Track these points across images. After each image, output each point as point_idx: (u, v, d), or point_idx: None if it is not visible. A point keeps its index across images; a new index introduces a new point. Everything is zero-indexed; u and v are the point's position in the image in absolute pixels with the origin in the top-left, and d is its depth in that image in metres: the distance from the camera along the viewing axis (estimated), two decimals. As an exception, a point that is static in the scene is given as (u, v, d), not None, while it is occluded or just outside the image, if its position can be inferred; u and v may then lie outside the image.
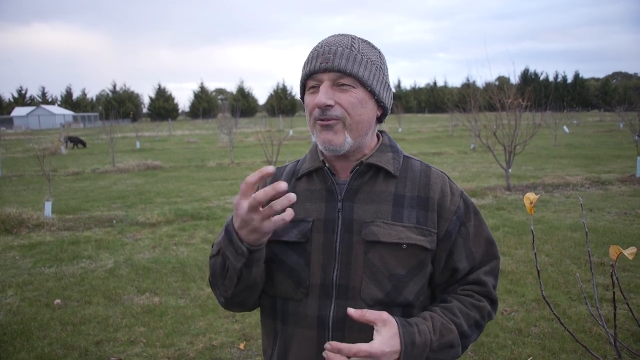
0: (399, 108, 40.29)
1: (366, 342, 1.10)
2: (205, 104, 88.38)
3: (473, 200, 8.33)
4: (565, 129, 29.15)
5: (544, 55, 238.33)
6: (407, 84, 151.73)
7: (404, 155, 1.34)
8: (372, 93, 1.23)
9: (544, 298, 1.33)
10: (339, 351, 1.08)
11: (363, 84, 1.20)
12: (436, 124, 44.22)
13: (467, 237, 1.29)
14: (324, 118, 1.19)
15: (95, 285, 5.38)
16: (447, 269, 1.29)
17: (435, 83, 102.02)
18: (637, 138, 13.18)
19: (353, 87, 1.19)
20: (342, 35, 1.26)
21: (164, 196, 10.90)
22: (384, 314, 1.13)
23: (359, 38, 1.27)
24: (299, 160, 1.43)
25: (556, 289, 4.85)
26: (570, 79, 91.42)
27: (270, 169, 1.03)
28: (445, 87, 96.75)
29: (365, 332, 1.16)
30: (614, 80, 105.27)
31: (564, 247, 6.09)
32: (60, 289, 5.33)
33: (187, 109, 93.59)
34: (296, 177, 1.35)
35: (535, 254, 1.50)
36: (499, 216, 7.90)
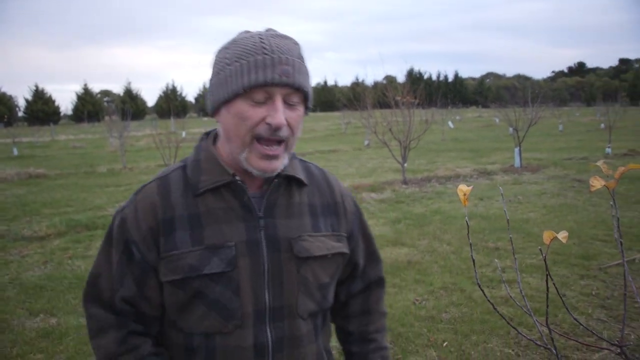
0: (293, 107, 40.53)
1: (305, 357, 1.19)
2: (90, 106, 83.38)
3: (372, 195, 8.63)
4: (450, 124, 30.97)
5: (426, 56, 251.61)
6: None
7: (299, 159, 1.30)
8: (307, 107, 1.17)
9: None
10: None
11: (306, 100, 1.14)
12: (329, 122, 45.05)
13: (362, 235, 1.37)
14: (275, 140, 1.09)
15: (-20, 309, 4.87)
16: (349, 266, 1.35)
17: (326, 82, 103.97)
18: (512, 132, 14.29)
19: (299, 103, 1.12)
20: (287, 38, 1.13)
21: (51, 206, 10.12)
22: None
23: (297, 42, 1.15)
24: (174, 169, 1.21)
25: (460, 275, 5.12)
26: (451, 78, 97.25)
27: None
28: (335, 86, 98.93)
29: (304, 347, 1.19)
30: (488, 80, 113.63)
31: (463, 235, 6.45)
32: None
33: (70, 112, 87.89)
34: (194, 194, 1.15)
35: (470, 244, 1.56)
36: (399, 209, 8.21)
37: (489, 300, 1.60)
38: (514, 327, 1.65)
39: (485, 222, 7.07)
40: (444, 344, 3.82)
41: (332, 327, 1.42)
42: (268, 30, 1.13)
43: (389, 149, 11.26)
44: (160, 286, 1.16)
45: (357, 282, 1.39)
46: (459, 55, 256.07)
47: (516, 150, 12.51)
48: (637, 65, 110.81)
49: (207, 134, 1.26)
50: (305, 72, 1.12)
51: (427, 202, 8.79)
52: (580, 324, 1.65)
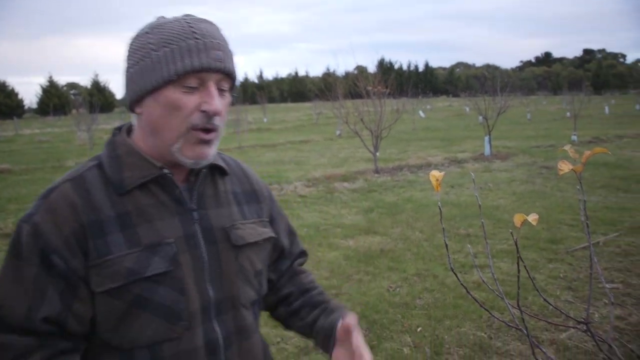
0: (263, 98, 40.34)
1: (252, 351, 1.17)
2: (56, 99, 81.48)
3: (345, 184, 8.65)
4: (421, 113, 31.26)
5: (397, 46, 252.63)
6: (269, 74, 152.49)
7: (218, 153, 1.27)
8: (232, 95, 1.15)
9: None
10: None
11: (233, 87, 1.11)
12: (300, 112, 45.04)
13: (279, 217, 1.36)
14: (210, 128, 1.04)
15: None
16: (277, 249, 1.34)
17: (297, 73, 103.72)
18: (482, 120, 14.50)
19: (228, 90, 1.09)
20: (212, 23, 1.08)
21: (17, 202, 9.87)
22: (353, 321, 1.13)
23: (220, 28, 1.11)
24: (87, 168, 1.10)
25: (433, 262, 5.20)
26: (421, 67, 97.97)
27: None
28: (307, 76, 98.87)
29: (251, 337, 1.17)
30: (458, 69, 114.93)
31: (435, 222, 6.53)
32: None
33: (35, 106, 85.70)
34: (118, 193, 1.05)
35: (443, 228, 1.58)
36: (371, 198, 8.27)
37: (462, 284, 1.63)
38: (487, 310, 1.69)
39: (457, 209, 7.18)
40: (418, 329, 3.88)
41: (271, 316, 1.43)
42: (186, 15, 1.08)
43: (360, 139, 11.30)
44: (92, 298, 1.02)
45: (285, 261, 1.38)
46: (429, 45, 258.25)
47: (486, 138, 12.70)
48: (599, 56, 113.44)
49: (119, 128, 1.17)
50: (233, 58, 1.09)
51: (399, 190, 8.87)
52: (550, 304, 1.70)
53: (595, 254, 5.40)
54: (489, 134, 12.74)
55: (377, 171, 10.62)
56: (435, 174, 1.55)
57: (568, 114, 25.40)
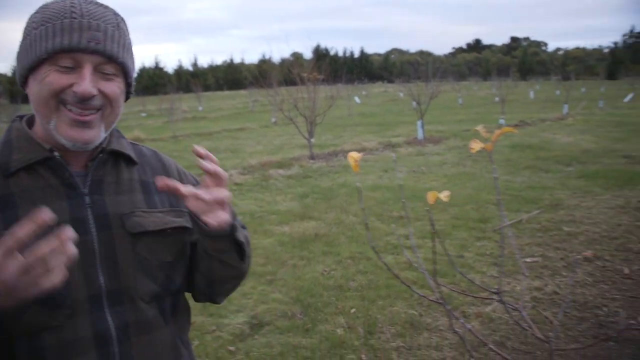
0: (198, 86, 39.51)
1: (153, 347, 1.09)
2: (-27, 89, 76.79)
3: (280, 171, 8.65)
4: (357, 99, 31.58)
5: (333, 32, 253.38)
6: (204, 62, 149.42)
7: (130, 142, 1.23)
8: (129, 82, 1.11)
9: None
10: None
11: (126, 74, 1.08)
12: (236, 100, 44.47)
13: None
14: (85, 109, 1.01)
15: None
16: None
17: (232, 60, 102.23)
18: (415, 105, 14.83)
19: (116, 75, 1.05)
20: (106, 8, 1.05)
21: None
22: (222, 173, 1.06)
23: (118, 13, 1.08)
24: None
25: (366, 245, 5.29)
26: (357, 54, 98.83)
27: (47, 215, 0.80)
28: (242, 63, 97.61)
29: (153, 333, 1.10)
30: (393, 56, 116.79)
31: (368, 206, 6.65)
32: None
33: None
34: (4, 175, 1.03)
35: (363, 208, 1.61)
36: (307, 184, 8.31)
37: (383, 262, 1.67)
38: (408, 286, 1.73)
39: (390, 192, 7.33)
40: (352, 311, 3.95)
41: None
42: None
43: (295, 125, 11.31)
44: None
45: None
46: (364, 32, 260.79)
47: (419, 123, 13.01)
48: (525, 44, 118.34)
49: (21, 116, 1.15)
50: (122, 44, 1.05)
51: (334, 175, 8.96)
52: (467, 278, 1.77)
53: (518, 230, 5.71)
54: (422, 119, 13.06)
55: (312, 157, 10.67)
56: (354, 154, 1.59)
57: (497, 98, 26.35)
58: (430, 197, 1.54)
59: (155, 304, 1.12)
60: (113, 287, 1.05)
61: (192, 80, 49.02)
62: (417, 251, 4.94)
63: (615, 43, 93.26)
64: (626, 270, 4.61)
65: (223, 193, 1.05)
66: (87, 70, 1.00)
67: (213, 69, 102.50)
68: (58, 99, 1.00)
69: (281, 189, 8.09)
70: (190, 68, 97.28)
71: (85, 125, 1.02)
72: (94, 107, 1.01)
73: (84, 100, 1.00)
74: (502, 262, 1.68)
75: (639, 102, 26.37)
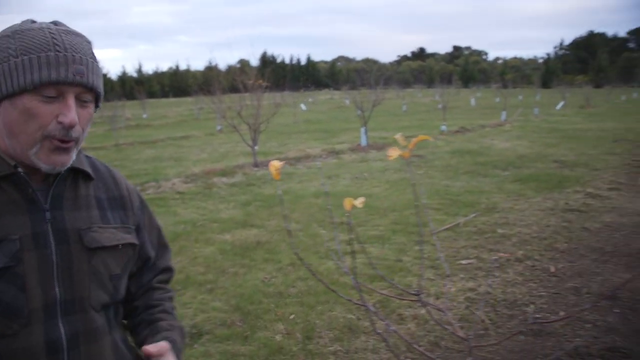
0: (142, 93, 38.66)
1: (100, 354, 1.16)
2: None
3: (224, 179, 8.59)
4: (303, 106, 31.70)
5: (281, 39, 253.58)
6: (149, 68, 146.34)
7: (85, 155, 1.30)
8: (97, 106, 1.19)
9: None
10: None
11: (98, 99, 1.16)
12: (182, 107, 43.76)
13: (150, 227, 1.39)
14: (67, 139, 1.08)
15: None
16: (141, 259, 1.35)
17: (177, 66, 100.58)
18: (359, 113, 15.06)
19: (91, 102, 1.13)
20: (79, 36, 1.12)
21: None
22: (164, 346, 1.19)
23: (89, 40, 1.15)
24: None
25: (307, 251, 5.34)
26: (303, 61, 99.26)
27: None
28: (188, 70, 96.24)
29: (99, 340, 1.17)
30: (339, 63, 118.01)
31: (311, 213, 6.70)
32: None
33: None
34: None
35: (285, 216, 1.65)
36: (250, 192, 8.30)
37: (307, 268, 1.72)
38: (333, 291, 1.79)
39: (333, 199, 7.38)
40: (291, 317, 3.99)
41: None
42: (57, 24, 1.11)
43: (239, 133, 11.27)
44: None
45: (148, 274, 1.39)
46: (312, 39, 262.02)
47: (362, 130, 13.21)
48: (467, 53, 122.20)
49: None
50: (98, 72, 1.12)
51: (278, 183, 8.98)
52: (388, 281, 1.83)
53: (455, 233, 5.89)
54: (365, 126, 13.27)
55: (256, 165, 10.65)
56: (275, 163, 1.64)
57: (440, 105, 27.09)
58: (347, 203, 1.61)
59: (103, 312, 1.19)
60: (67, 298, 1.11)
61: (137, 87, 47.88)
62: (359, 256, 5.01)
63: (548, 54, 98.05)
64: (552, 269, 4.85)
65: None
66: (72, 101, 1.07)
67: (158, 75, 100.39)
68: (44, 131, 1.05)
69: (224, 197, 8.05)
70: (135, 74, 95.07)
71: (64, 151, 1.09)
72: (75, 138, 1.09)
73: (69, 129, 1.06)
74: (423, 265, 1.76)
75: (569, 110, 27.74)
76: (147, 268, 1.38)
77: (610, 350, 3.43)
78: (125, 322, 1.37)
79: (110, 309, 1.22)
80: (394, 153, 1.72)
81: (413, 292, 1.85)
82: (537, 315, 3.92)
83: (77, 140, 1.11)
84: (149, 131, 22.21)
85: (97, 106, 1.18)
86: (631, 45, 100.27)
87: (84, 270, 1.14)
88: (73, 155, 1.12)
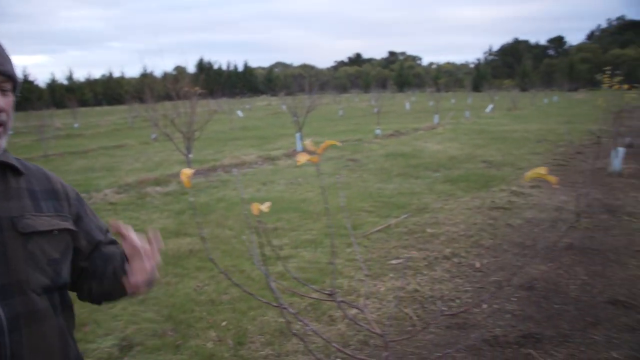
0: (73, 102, 37.27)
1: (43, 336, 1.21)
2: None
3: (157, 189, 8.41)
4: (239, 113, 31.49)
5: (217, 45, 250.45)
6: (80, 75, 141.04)
7: (14, 157, 1.36)
8: (17, 95, 1.28)
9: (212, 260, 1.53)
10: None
11: (15, 88, 1.25)
12: (115, 116, 42.51)
13: (90, 217, 1.48)
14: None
15: None
16: (91, 244, 1.44)
17: (111, 74, 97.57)
18: (294, 118, 15.15)
19: (10, 91, 1.22)
20: None
21: None
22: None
23: None
24: None
25: (240, 257, 5.35)
26: (240, 67, 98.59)
27: None
28: (122, 77, 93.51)
29: (43, 323, 1.22)
30: (277, 69, 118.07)
31: (244, 220, 6.71)
32: None
33: None
34: None
35: (198, 223, 1.69)
36: (184, 200, 8.19)
37: (222, 272, 1.75)
38: (251, 294, 1.83)
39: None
40: (223, 324, 3.99)
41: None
42: None
43: (172, 142, 11.10)
44: None
45: (100, 252, 1.46)
46: (249, 45, 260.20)
47: (297, 135, 13.30)
48: (402, 58, 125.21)
49: None
50: (13, 62, 1.22)
51: (213, 190, 8.91)
52: (298, 280, 1.90)
53: (387, 235, 6.04)
54: (300, 131, 13.37)
55: (192, 173, 10.52)
56: (186, 171, 1.67)
57: (375, 109, 27.63)
58: (254, 208, 1.66)
59: (46, 296, 1.24)
60: (5, 281, 1.16)
61: (67, 95, 46.11)
62: (291, 261, 5.08)
63: (479, 59, 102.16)
64: (477, 264, 5.08)
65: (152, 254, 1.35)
66: None
67: (91, 83, 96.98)
68: None
69: (157, 207, 7.91)
70: (65, 82, 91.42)
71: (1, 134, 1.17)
72: (3, 122, 1.18)
73: None
74: (334, 266, 1.83)
75: (498, 112, 28.95)
76: (98, 249, 1.46)
77: (524, 336, 3.65)
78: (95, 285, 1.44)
79: (54, 294, 1.26)
80: (302, 158, 1.78)
81: (327, 292, 1.92)
82: (444, 309, 4.11)
83: (4, 126, 1.19)
84: (80, 141, 21.47)
85: (15, 95, 1.26)
86: (551, 52, 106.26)
87: (19, 255, 1.19)
88: (3, 143, 1.20)
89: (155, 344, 3.74)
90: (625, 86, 9.98)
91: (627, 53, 75.38)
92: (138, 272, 1.32)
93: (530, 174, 1.46)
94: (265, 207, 1.62)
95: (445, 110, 28.99)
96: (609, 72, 9.85)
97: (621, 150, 9.23)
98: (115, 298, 1.48)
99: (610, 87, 9.87)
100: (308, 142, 1.84)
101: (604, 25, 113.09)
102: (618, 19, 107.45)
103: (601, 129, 8.53)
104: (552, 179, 1.44)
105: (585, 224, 6.26)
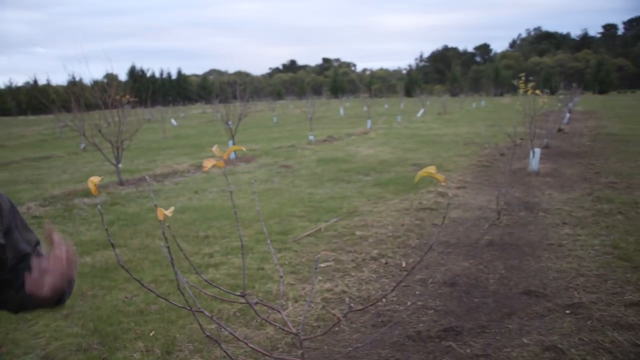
0: (-7, 112, 35.46)
1: None
2: None
3: (86, 200, 8.18)
4: (173, 121, 30.95)
5: (149, 52, 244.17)
6: (0, 83, 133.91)
7: None
8: None
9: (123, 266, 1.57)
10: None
11: None
12: (42, 126, 40.72)
13: (20, 227, 1.51)
14: None
15: None
16: (16, 256, 1.46)
17: (36, 81, 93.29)
18: (228, 126, 15.09)
19: None
20: None
21: None
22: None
23: None
24: None
25: (170, 267, 5.31)
26: (174, 75, 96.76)
27: None
28: (48, 85, 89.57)
29: None
30: (211, 77, 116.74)
31: (175, 228, 6.65)
32: None
33: None
34: None
35: (106, 229, 1.72)
36: (113, 211, 8.01)
37: (137, 280, 1.79)
38: (165, 299, 1.87)
39: (198, 213, 7.40)
40: (151, 334, 3.96)
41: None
42: None
43: (100, 152, 10.83)
44: None
45: (24, 265, 1.47)
46: (183, 53, 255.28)
47: (230, 143, 13.27)
48: (336, 64, 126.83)
49: None
50: None
51: (143, 200, 8.77)
52: (209, 283, 1.96)
53: (316, 238, 6.15)
54: (233, 139, 13.34)
55: (121, 183, 10.29)
56: (94, 179, 1.71)
57: (309, 116, 27.88)
58: (159, 213, 1.71)
59: None
60: None
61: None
62: (222, 268, 5.11)
63: (410, 65, 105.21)
64: (404, 264, 5.28)
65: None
66: None
67: (13, 91, 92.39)
68: None
69: (86, 219, 7.71)
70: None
71: None
72: None
73: None
74: (244, 268, 1.91)
75: (429, 117, 29.90)
76: (22, 261, 1.47)
77: (445, 330, 3.84)
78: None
79: None
80: (208, 164, 1.85)
81: (238, 294, 2.00)
82: (352, 305, 4.27)
83: None
84: (1, 152, 20.45)
85: None
86: (478, 59, 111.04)
87: None
88: None
89: (79, 359, 3.68)
90: (538, 92, 10.62)
91: (545, 61, 79.88)
92: (44, 271, 1.33)
93: (420, 173, 1.59)
94: (169, 212, 1.68)
95: (379, 115, 29.65)
96: (524, 79, 10.47)
97: (537, 151, 9.80)
98: (30, 307, 1.50)
99: (525, 92, 10.48)
100: (215, 148, 1.91)
101: (524, 34, 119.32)
102: (535, 29, 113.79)
103: (516, 131, 9.01)
104: (441, 177, 1.58)
105: (505, 220, 6.62)
